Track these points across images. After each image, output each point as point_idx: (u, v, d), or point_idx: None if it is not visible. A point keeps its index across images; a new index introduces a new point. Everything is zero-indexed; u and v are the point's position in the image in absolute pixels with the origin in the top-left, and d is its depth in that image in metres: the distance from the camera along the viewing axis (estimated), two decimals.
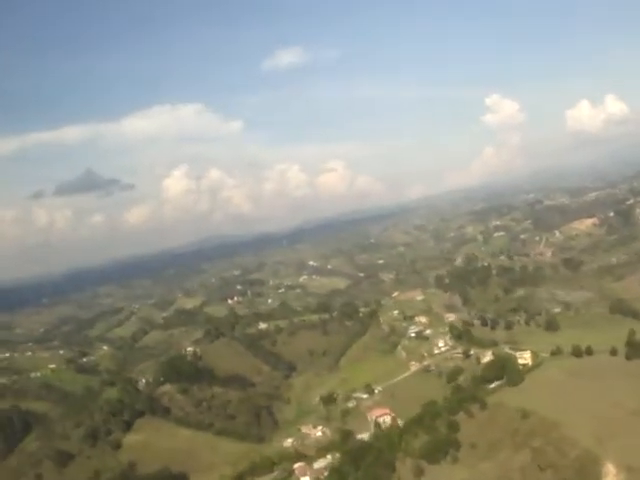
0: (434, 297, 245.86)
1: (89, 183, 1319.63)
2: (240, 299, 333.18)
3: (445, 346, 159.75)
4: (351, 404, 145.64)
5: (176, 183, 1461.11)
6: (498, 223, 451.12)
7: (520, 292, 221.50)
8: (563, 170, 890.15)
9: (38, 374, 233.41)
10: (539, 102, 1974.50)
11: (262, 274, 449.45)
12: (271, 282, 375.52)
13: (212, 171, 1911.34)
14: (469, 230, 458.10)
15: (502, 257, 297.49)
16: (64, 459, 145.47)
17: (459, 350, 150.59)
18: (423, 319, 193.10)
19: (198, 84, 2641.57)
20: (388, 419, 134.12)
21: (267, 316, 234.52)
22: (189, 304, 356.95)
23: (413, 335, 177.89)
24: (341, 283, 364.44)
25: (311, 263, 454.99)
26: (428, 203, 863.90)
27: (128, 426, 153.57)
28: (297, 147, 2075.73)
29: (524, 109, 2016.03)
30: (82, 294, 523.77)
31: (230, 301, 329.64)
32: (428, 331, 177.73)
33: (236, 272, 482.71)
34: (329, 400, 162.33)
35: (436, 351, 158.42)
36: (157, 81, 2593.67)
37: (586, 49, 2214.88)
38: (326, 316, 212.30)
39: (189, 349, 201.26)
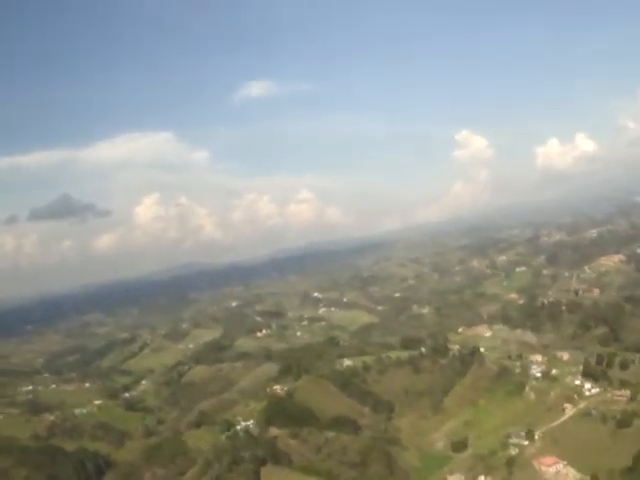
0: (503, 333, 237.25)
1: (64, 208, 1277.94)
2: (268, 332, 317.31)
3: (592, 388, 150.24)
4: (513, 451, 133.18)
5: (146, 210, 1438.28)
6: (504, 258, 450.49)
7: (602, 329, 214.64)
8: (534, 205, 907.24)
9: (84, 411, 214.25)
10: (507, 139, 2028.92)
11: (265, 305, 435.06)
12: (290, 314, 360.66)
13: (182, 199, 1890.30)
14: (474, 264, 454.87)
15: (549, 292, 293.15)
16: None
17: (622, 392, 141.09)
18: (539, 357, 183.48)
19: (167, 113, 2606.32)
20: (563, 469, 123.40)
21: (340, 351, 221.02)
22: (206, 336, 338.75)
23: (539, 375, 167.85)
24: (364, 316, 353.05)
25: (315, 295, 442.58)
26: (403, 236, 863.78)
27: (256, 476, 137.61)
28: (267, 178, 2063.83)
29: (493, 145, 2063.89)
30: (68, 322, 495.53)
31: (259, 334, 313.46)
32: (555, 371, 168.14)
33: (234, 303, 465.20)
34: (460, 446, 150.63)
35: (587, 393, 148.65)
36: (126, 108, 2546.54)
37: (555, 89, 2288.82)
38: (415, 353, 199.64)
39: (276, 387, 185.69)
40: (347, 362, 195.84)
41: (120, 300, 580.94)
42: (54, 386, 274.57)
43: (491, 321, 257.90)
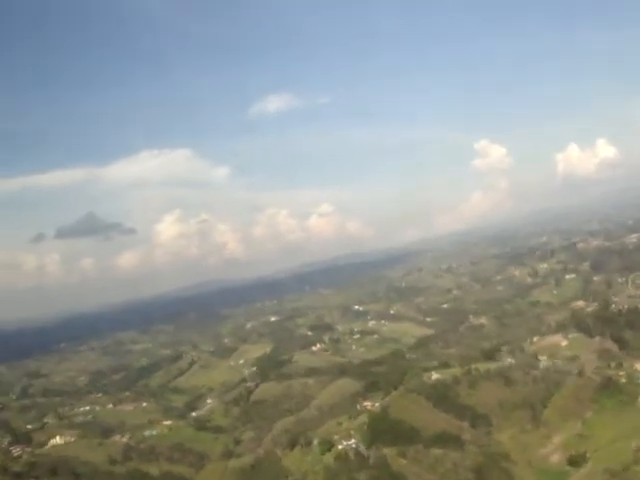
0: (580, 342, 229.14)
1: (89, 227, 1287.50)
2: (323, 346, 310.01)
3: None
4: None
5: (168, 227, 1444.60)
6: (545, 266, 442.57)
7: None
8: (556, 212, 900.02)
9: (154, 432, 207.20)
10: (526, 146, 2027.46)
11: (307, 319, 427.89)
12: (339, 328, 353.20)
13: (203, 216, 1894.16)
14: (515, 273, 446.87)
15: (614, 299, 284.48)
16: None
17: None
18: None
19: (186, 129, 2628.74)
20: None
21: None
22: (255, 352, 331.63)
23: None
24: (415, 329, 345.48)
25: (356, 307, 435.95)
26: (427, 247, 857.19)
27: None
28: (287, 191, 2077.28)
29: (512, 153, 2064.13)
30: (100, 340, 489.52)
31: (314, 348, 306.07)
32: None
33: (273, 318, 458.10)
34: (579, 460, 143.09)
35: None
36: (145, 126, 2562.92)
37: (573, 94, 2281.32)
38: (503, 364, 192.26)
39: (366, 403, 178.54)
40: (435, 375, 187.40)
41: (149, 317, 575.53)
42: (111, 406, 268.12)
43: (561, 330, 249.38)
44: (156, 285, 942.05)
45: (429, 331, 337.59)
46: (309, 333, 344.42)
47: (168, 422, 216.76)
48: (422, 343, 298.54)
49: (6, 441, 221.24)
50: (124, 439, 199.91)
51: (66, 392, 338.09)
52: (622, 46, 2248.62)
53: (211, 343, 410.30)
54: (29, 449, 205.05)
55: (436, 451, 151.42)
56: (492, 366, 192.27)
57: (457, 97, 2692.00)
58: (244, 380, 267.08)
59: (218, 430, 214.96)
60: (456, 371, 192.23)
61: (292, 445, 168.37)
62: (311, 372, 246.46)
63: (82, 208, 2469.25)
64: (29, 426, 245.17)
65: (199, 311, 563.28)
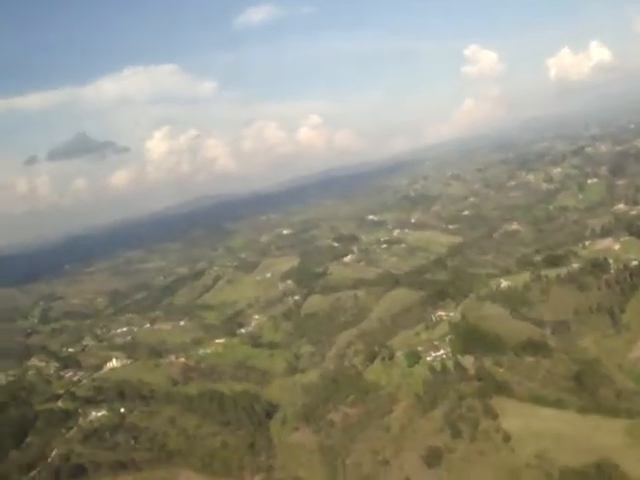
0: (633, 245, 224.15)
1: (82, 147, 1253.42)
2: (354, 257, 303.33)
3: None
4: None
5: (157, 144, 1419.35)
6: (559, 170, 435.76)
7: None
8: (553, 119, 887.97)
9: (207, 351, 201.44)
10: (519, 52, 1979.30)
11: (322, 231, 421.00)
12: (364, 238, 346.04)
13: (192, 131, 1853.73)
14: (530, 179, 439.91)
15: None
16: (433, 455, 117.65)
17: None
18: None
19: (170, 44, 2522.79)
20: None
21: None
22: (281, 265, 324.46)
23: None
24: (441, 237, 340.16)
25: (371, 217, 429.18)
26: (420, 157, 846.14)
27: (488, 410, 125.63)
28: (274, 104, 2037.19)
29: (503, 59, 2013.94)
30: (106, 261, 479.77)
31: (346, 260, 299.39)
32: None
33: (285, 231, 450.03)
34: None
35: None
36: (126, 42, 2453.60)
37: None
38: (572, 269, 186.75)
39: (440, 313, 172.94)
40: (504, 282, 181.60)
41: (150, 236, 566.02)
42: (148, 326, 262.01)
43: (608, 234, 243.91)
44: (149, 203, 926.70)
45: (455, 239, 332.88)
46: (335, 244, 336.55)
47: (221, 340, 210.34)
48: (457, 251, 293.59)
49: (52, 366, 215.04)
50: (181, 359, 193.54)
51: (87, 314, 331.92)
52: None
53: (227, 258, 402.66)
54: (82, 373, 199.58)
55: (528, 359, 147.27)
56: (562, 271, 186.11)
57: (444, 3, 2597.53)
58: (285, 294, 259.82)
59: (273, 346, 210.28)
60: (523, 277, 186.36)
61: (370, 358, 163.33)
62: (359, 283, 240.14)
63: (70, 129, 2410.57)
64: (70, 349, 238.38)
65: (202, 227, 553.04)
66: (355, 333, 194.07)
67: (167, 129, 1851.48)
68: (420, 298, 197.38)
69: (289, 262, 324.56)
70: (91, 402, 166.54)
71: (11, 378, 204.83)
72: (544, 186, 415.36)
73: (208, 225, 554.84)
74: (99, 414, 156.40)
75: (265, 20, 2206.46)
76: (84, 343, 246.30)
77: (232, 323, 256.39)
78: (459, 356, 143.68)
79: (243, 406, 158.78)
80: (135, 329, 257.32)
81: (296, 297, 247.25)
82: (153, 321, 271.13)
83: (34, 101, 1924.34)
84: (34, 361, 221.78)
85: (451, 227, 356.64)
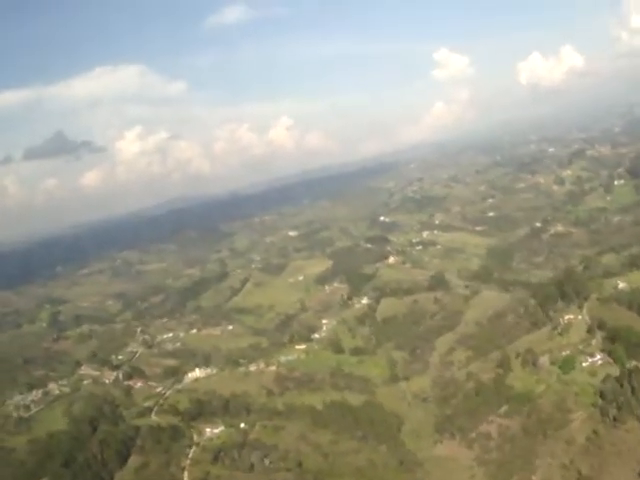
0: None
1: (59, 146, 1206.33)
2: (397, 259, 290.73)
3: None
4: None
5: (129, 145, 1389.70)
6: (569, 172, 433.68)
7: None
8: (528, 122, 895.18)
9: (290, 357, 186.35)
10: (488, 56, 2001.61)
11: (332, 232, 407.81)
12: (394, 239, 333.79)
13: (162, 132, 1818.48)
14: (541, 181, 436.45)
15: None
16: None
17: None
18: None
19: (138, 44, 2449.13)
20: None
21: None
22: (312, 268, 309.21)
23: None
24: (473, 238, 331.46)
25: (382, 219, 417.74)
26: (397, 159, 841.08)
27: None
28: (245, 106, 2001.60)
29: (474, 63, 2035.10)
30: (101, 262, 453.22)
31: (391, 261, 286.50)
32: None
33: (292, 233, 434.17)
34: None
35: None
36: (98, 41, 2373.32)
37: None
38: None
39: (568, 317, 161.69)
40: (621, 283, 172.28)
41: (137, 236, 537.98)
42: (195, 331, 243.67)
43: None
44: (123, 204, 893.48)
45: (486, 240, 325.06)
46: (368, 246, 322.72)
47: (302, 346, 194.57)
48: (504, 252, 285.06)
49: (107, 374, 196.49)
50: (271, 367, 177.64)
51: (101, 318, 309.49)
52: None
53: (238, 260, 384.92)
54: (152, 383, 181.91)
55: None
56: None
57: (414, 6, 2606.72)
58: (347, 298, 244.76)
59: (357, 352, 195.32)
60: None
61: (501, 364, 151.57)
62: (436, 285, 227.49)
63: (41, 128, 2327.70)
64: (119, 357, 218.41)
65: (194, 228, 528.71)
66: (454, 338, 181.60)
67: (138, 129, 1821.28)
68: (518, 301, 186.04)
69: (320, 264, 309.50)
70: (194, 416, 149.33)
71: (65, 389, 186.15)
72: (555, 188, 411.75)
73: (199, 226, 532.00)
74: (216, 430, 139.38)
75: (237, 21, 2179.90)
76: (129, 350, 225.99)
77: (285, 327, 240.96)
78: (625, 362, 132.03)
79: (372, 419, 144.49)
80: (181, 334, 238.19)
81: (363, 301, 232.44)
82: (191, 326, 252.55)
83: (3, 99, 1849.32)
84: (85, 369, 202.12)
85: (478, 228, 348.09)
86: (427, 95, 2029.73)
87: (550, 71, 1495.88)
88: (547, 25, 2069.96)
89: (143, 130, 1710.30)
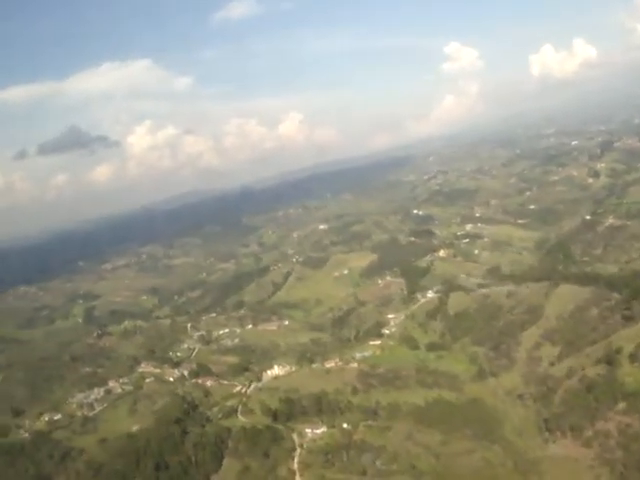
0: None
1: (74, 141, 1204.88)
2: (448, 252, 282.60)
3: None
4: None
5: (139, 140, 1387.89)
6: (603, 165, 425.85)
7: None
8: (540, 114, 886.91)
9: (365, 354, 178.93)
10: (499, 49, 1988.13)
11: (365, 226, 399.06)
12: (438, 232, 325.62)
13: (171, 127, 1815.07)
14: (574, 173, 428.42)
15: None
16: None
17: None
18: None
19: (146, 39, 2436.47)
20: None
21: None
22: (356, 262, 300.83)
23: None
24: (516, 231, 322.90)
25: (415, 212, 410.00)
26: (411, 152, 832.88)
27: None
28: (254, 100, 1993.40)
29: (484, 56, 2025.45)
30: (124, 256, 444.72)
31: (442, 255, 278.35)
32: None
33: (322, 226, 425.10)
34: None
35: None
36: (105, 37, 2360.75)
37: None
38: None
39: None
40: None
41: (157, 230, 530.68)
42: (251, 327, 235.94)
43: None
44: (135, 198, 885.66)
45: (532, 233, 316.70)
46: (412, 239, 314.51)
47: (376, 342, 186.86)
48: (558, 245, 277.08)
49: (169, 372, 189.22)
50: (353, 364, 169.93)
51: (137, 313, 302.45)
52: None
53: (272, 254, 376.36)
54: (226, 382, 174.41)
55: None
56: None
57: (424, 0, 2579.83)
58: (412, 292, 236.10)
59: (433, 347, 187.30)
60: None
61: (606, 360, 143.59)
62: (505, 279, 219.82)
63: (53, 123, 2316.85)
64: (178, 354, 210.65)
65: (216, 222, 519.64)
66: (538, 332, 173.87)
67: (148, 124, 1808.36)
68: (599, 295, 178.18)
69: (363, 258, 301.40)
70: (288, 417, 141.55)
71: (127, 387, 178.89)
72: (590, 181, 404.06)
73: (221, 220, 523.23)
74: (317, 431, 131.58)
75: (244, 15, 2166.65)
76: (185, 346, 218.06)
77: (342, 322, 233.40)
78: None
79: (478, 417, 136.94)
80: (237, 330, 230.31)
81: (429, 294, 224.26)
82: (243, 321, 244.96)
83: (13, 95, 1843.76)
84: (145, 367, 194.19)
85: (520, 221, 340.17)
86: (437, 89, 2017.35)
87: (562, 63, 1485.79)
88: (559, 18, 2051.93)
89: (153, 125, 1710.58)
